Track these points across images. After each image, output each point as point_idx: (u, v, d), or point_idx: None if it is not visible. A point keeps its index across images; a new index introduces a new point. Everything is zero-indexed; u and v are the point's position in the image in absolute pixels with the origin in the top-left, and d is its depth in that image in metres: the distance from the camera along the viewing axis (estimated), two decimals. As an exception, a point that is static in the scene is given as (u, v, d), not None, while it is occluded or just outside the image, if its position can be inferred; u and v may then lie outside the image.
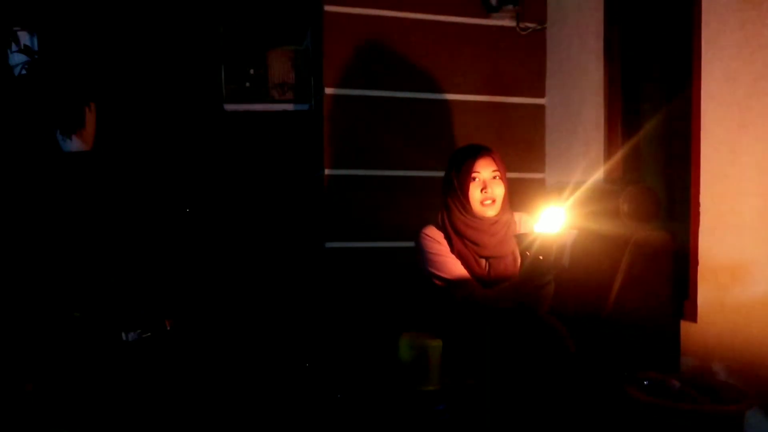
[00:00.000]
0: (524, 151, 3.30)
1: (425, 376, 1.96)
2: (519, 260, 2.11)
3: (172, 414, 2.13)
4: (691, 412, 1.83)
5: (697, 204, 2.25)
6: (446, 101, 3.21)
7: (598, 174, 2.91)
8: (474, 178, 2.11)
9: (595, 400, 1.99)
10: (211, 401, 2.24)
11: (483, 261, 2.15)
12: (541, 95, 3.36)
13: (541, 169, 3.35)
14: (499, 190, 2.11)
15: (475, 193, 2.11)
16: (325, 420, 2.10)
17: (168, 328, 2.87)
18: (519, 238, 1.90)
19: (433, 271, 2.13)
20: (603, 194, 2.54)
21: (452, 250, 2.13)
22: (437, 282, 2.13)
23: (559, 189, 3.09)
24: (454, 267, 2.11)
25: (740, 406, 1.85)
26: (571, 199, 2.42)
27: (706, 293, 2.23)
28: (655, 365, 2.15)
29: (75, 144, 3.11)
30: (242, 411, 2.19)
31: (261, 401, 2.26)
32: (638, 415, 1.89)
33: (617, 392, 1.95)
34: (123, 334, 2.75)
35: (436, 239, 2.15)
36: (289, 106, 3.48)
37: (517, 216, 2.20)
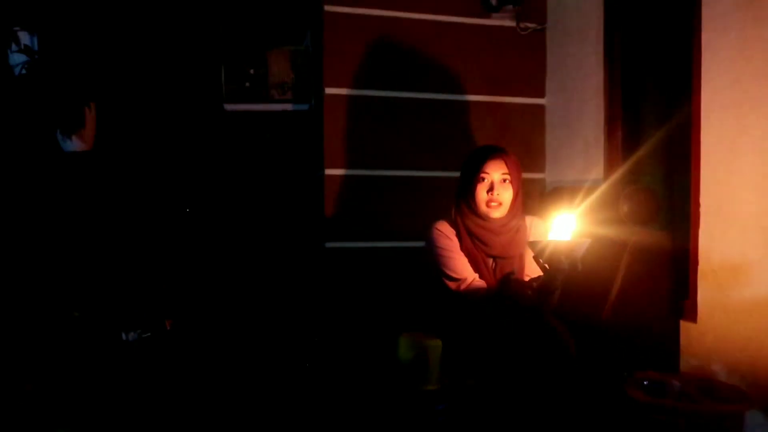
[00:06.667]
0: (524, 151, 3.29)
1: (425, 376, 1.97)
2: (528, 264, 2.11)
3: (172, 414, 2.13)
4: (691, 412, 1.83)
5: (697, 204, 2.24)
6: (446, 101, 3.21)
7: (598, 174, 2.90)
8: (482, 179, 2.10)
9: (596, 400, 1.99)
10: (211, 401, 2.24)
11: (490, 261, 2.15)
12: (541, 95, 3.36)
13: (541, 169, 3.35)
14: (506, 194, 2.10)
15: (481, 194, 2.10)
16: (325, 420, 2.10)
17: (168, 328, 2.88)
18: (532, 245, 1.88)
19: (441, 267, 2.14)
20: (602, 195, 2.54)
21: (461, 248, 2.14)
22: (444, 279, 2.13)
23: (558, 189, 3.10)
24: (461, 265, 2.12)
25: (740, 406, 1.85)
26: (583, 206, 2.41)
27: (706, 293, 2.22)
28: (655, 365, 2.15)
29: (75, 144, 3.11)
30: (242, 411, 2.18)
31: (261, 401, 2.26)
32: (638, 415, 1.88)
33: (617, 393, 1.95)
34: (123, 334, 2.76)
35: (446, 235, 2.16)
36: (289, 106, 3.49)
37: (529, 219, 2.20)
